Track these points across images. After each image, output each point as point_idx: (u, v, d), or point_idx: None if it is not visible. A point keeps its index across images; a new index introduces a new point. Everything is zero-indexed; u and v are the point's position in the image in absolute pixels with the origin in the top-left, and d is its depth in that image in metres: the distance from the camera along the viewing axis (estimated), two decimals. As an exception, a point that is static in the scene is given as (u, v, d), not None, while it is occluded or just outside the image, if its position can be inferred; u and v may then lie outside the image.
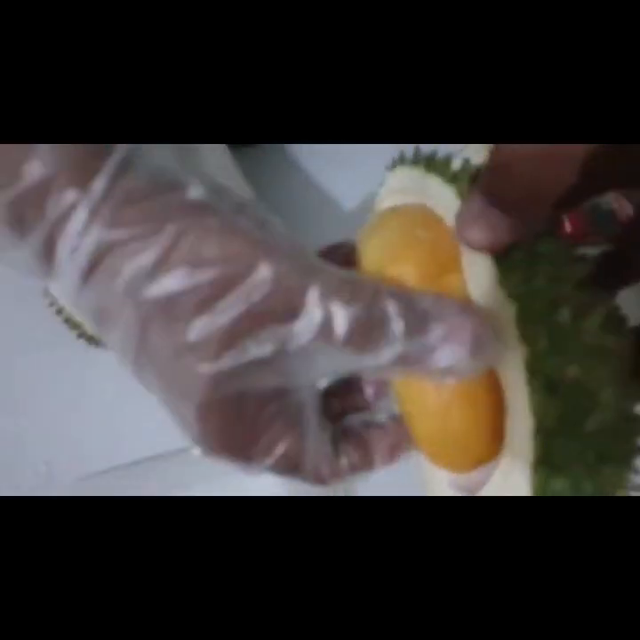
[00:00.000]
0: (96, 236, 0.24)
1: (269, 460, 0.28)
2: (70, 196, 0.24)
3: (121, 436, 0.45)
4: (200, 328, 0.24)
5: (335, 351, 0.25)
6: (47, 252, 0.25)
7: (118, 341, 0.26)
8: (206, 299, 0.24)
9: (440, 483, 0.30)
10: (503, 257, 0.24)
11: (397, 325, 0.24)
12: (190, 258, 0.24)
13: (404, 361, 0.25)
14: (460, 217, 0.24)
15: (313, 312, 0.24)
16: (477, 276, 0.25)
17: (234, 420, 0.26)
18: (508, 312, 0.23)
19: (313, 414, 0.29)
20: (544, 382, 0.23)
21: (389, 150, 0.35)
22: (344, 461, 0.29)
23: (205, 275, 0.24)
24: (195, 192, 0.25)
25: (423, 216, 0.28)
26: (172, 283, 0.24)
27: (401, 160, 0.30)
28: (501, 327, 0.24)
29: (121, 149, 0.24)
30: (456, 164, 0.27)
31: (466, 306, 0.25)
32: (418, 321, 0.24)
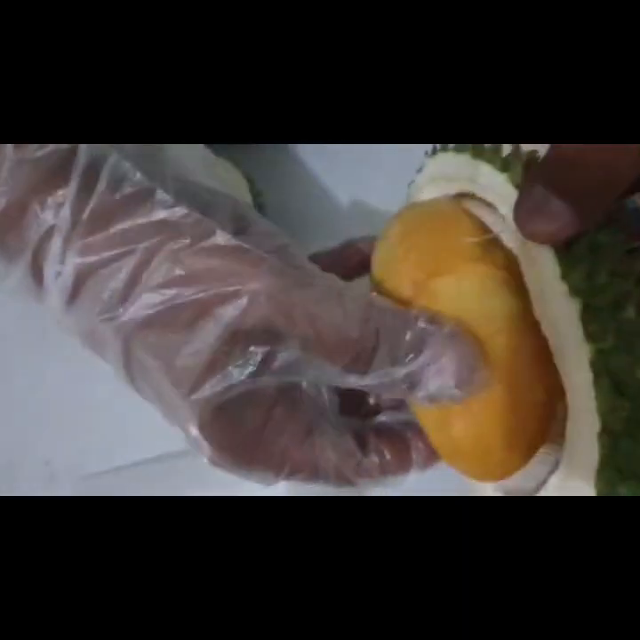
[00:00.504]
0: (73, 262, 0.23)
1: (283, 471, 0.27)
2: (44, 221, 0.23)
3: (124, 436, 0.43)
4: (182, 353, 0.23)
5: (322, 369, 0.24)
6: (36, 275, 0.24)
7: (110, 360, 0.26)
8: (183, 322, 0.23)
9: (485, 487, 0.28)
10: (565, 250, 0.23)
11: (384, 351, 0.23)
12: (162, 279, 0.23)
13: (389, 385, 0.24)
14: (520, 208, 0.23)
15: (297, 333, 0.23)
16: (537, 269, 0.23)
17: (236, 433, 0.25)
18: (572, 308, 0.22)
19: (327, 411, 0.28)
20: (611, 382, 0.22)
21: (392, 150, 0.34)
22: (374, 459, 0.28)
23: (178, 298, 0.23)
24: (161, 202, 0.23)
25: (423, 216, 0.28)
26: (145, 306, 0.23)
27: (443, 146, 0.29)
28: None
29: (82, 161, 0.23)
30: (506, 151, 0.25)
31: (454, 333, 0.24)
32: (405, 348, 0.24)
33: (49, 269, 0.24)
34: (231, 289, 0.23)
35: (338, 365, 0.24)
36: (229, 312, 0.23)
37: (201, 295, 0.23)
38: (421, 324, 0.24)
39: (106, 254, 0.23)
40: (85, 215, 0.23)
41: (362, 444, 0.28)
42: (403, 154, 0.32)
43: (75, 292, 0.24)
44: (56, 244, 0.23)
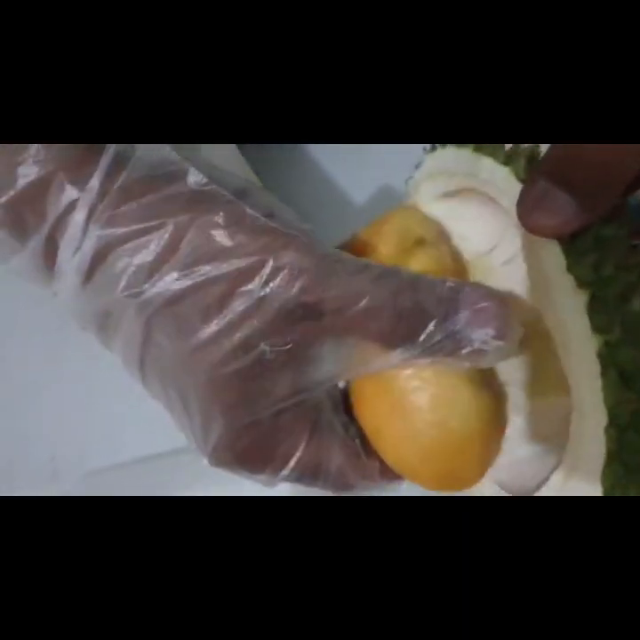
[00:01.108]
0: (96, 235, 0.23)
1: (286, 471, 0.26)
2: (69, 194, 0.22)
3: (127, 432, 0.43)
4: (209, 330, 0.23)
5: (358, 349, 0.23)
6: (49, 255, 0.23)
7: (121, 348, 0.25)
8: (214, 298, 0.23)
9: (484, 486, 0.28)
10: (570, 243, 0.23)
11: (423, 314, 0.23)
12: (194, 255, 0.23)
13: (436, 349, 0.23)
14: (524, 201, 0.23)
15: (332, 307, 0.23)
16: (542, 263, 0.23)
17: (248, 431, 0.24)
18: (578, 301, 0.22)
19: (332, 415, 0.27)
20: (618, 375, 0.21)
21: (400, 149, 0.34)
22: (375, 462, 0.27)
23: (211, 272, 0.23)
24: (194, 181, 0.23)
25: (372, 224, 0.28)
26: (174, 281, 0.23)
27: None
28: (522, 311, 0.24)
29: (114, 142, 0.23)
30: (507, 146, 0.25)
31: (492, 290, 0.24)
32: (442, 306, 0.23)
33: (67, 244, 0.23)
34: (261, 268, 0.22)
35: (381, 337, 0.23)
36: (260, 292, 0.22)
37: (232, 270, 0.22)
38: (450, 283, 0.24)
39: (134, 227, 0.22)
40: (115, 187, 0.22)
41: (363, 447, 0.28)
42: (411, 153, 0.32)
43: (93, 269, 0.23)
44: (79, 214, 0.22)
